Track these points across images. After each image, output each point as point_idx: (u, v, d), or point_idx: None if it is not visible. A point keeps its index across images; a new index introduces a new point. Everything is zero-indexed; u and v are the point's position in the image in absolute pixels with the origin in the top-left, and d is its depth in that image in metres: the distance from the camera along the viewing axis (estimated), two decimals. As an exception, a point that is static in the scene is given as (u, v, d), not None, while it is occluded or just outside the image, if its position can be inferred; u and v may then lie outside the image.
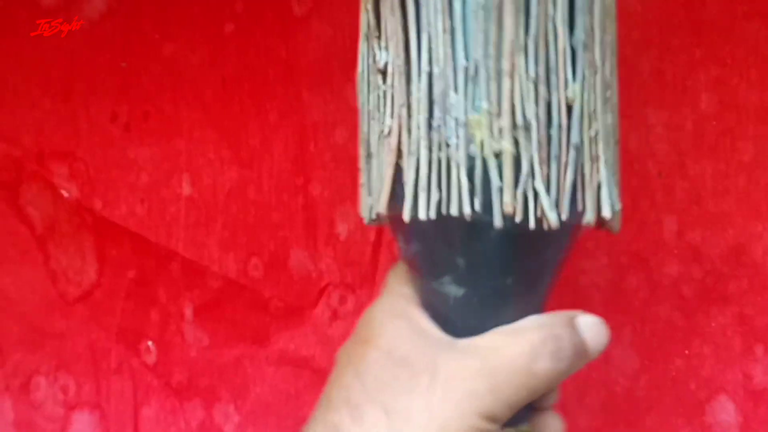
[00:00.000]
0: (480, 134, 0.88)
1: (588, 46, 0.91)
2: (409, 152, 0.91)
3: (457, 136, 0.89)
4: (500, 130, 0.88)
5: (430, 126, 0.90)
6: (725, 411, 1.29)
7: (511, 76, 0.88)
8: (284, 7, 1.42)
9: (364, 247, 1.42)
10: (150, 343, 1.50)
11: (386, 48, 0.93)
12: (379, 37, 0.95)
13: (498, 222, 0.88)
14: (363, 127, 0.99)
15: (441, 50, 0.89)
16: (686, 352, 1.29)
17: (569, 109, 0.90)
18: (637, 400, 1.30)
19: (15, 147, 1.50)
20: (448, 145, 0.89)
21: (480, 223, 0.89)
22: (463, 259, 0.92)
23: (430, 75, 0.90)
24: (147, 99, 1.47)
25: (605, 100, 0.93)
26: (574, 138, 0.90)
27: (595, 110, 0.92)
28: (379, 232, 1.41)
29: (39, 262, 1.51)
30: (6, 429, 1.53)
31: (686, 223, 1.27)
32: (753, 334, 1.27)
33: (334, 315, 1.43)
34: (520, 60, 0.88)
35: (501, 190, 0.88)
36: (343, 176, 1.42)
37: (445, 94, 0.89)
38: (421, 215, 0.90)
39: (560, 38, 0.89)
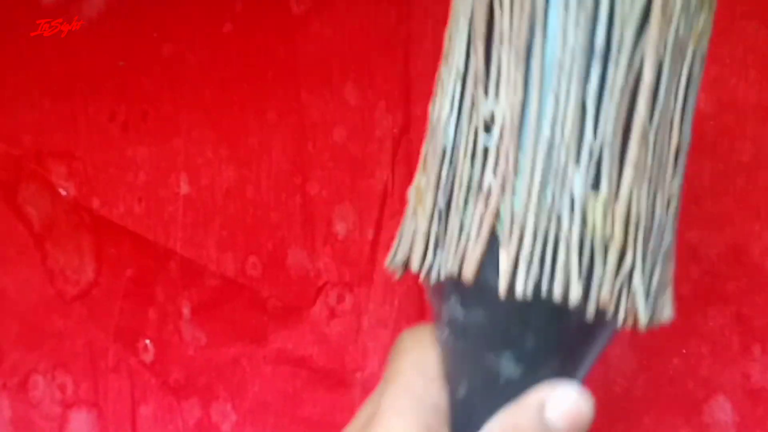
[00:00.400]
0: (593, 217, 0.83)
1: (687, 147, 0.90)
2: (512, 219, 0.84)
3: (571, 214, 0.83)
4: (613, 217, 0.84)
5: (542, 196, 0.84)
6: (723, 410, 1.29)
7: (634, 164, 0.84)
8: (283, 7, 1.42)
9: (362, 246, 1.42)
10: (148, 341, 1.50)
11: (496, 97, 0.86)
12: (486, 83, 0.87)
13: (590, 314, 0.83)
14: (440, 170, 0.90)
15: (570, 119, 0.83)
16: (684, 351, 1.29)
17: (668, 205, 0.88)
18: (635, 399, 1.30)
19: (13, 146, 1.50)
20: (559, 221, 0.83)
21: (565, 308, 0.84)
22: (532, 340, 0.87)
23: (551, 142, 0.84)
24: (145, 98, 1.47)
25: (679, 205, 0.92)
26: (667, 237, 0.89)
27: (678, 211, 0.90)
28: (378, 231, 1.41)
29: (37, 261, 1.51)
30: (3, 427, 1.53)
31: (684, 223, 1.26)
32: (751, 333, 1.27)
33: (332, 314, 1.43)
34: (643, 148, 0.85)
35: (602, 280, 0.83)
36: (341, 176, 1.42)
37: (565, 166, 0.83)
38: (518, 290, 0.83)
39: (674, 135, 0.88)
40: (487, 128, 0.87)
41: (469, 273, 0.85)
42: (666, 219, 0.89)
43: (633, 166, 0.85)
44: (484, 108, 0.87)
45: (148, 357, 1.50)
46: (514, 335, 0.88)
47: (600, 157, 0.84)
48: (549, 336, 0.87)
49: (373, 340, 1.42)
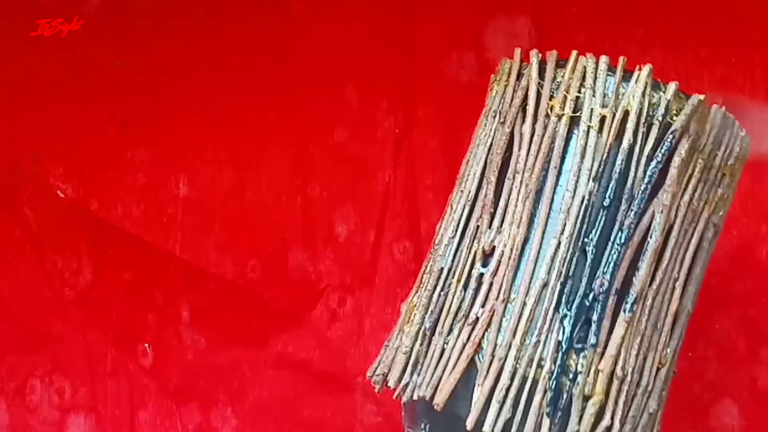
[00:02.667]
0: (575, 369, 0.85)
1: (687, 315, 0.92)
2: (493, 354, 0.86)
3: (554, 361, 0.85)
4: (596, 374, 0.86)
5: (526, 336, 0.86)
6: (729, 414, 1.28)
7: (628, 323, 0.87)
8: (283, 7, 1.42)
9: (363, 249, 1.41)
10: (147, 345, 1.49)
11: (499, 231, 0.89)
12: (492, 214, 0.91)
13: None
14: (431, 294, 0.93)
15: (567, 267, 0.86)
16: (690, 354, 1.28)
17: (657, 371, 0.91)
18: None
19: (10, 147, 1.49)
20: (540, 366, 0.85)
21: None
22: None
23: (544, 284, 0.86)
24: (144, 99, 1.46)
25: (674, 371, 0.95)
26: (652, 404, 0.90)
27: (668, 378, 0.93)
28: (379, 233, 1.40)
29: (34, 264, 1.50)
30: (1, 432, 1.53)
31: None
32: (758, 336, 1.27)
33: (333, 317, 1.43)
34: (638, 309, 0.87)
35: None
36: (342, 177, 1.41)
37: (555, 311, 0.86)
38: (486, 428, 0.84)
39: (674, 301, 0.90)
40: (485, 258, 0.90)
41: (440, 399, 0.87)
42: (653, 384, 0.91)
43: (625, 324, 0.86)
44: (486, 237, 0.90)
45: (147, 361, 1.49)
46: None
47: (592, 309, 0.86)
48: None
49: (374, 343, 1.41)
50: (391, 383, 0.93)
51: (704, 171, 0.90)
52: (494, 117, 0.94)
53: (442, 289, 0.92)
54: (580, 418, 0.85)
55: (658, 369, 0.91)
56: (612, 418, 0.86)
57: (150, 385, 1.50)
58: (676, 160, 0.88)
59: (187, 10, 1.44)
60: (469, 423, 0.85)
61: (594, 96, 0.88)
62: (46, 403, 1.51)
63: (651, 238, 0.87)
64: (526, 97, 0.91)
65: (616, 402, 0.86)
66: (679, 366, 1.26)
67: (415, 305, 0.94)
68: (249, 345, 1.46)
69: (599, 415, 0.86)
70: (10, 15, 1.47)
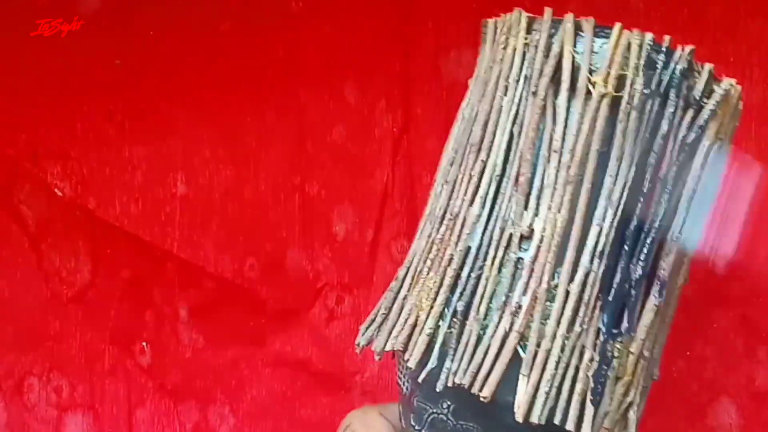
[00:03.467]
0: (611, 355, 0.85)
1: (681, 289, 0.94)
2: (538, 344, 0.85)
3: (595, 349, 0.85)
4: (628, 357, 0.86)
5: (571, 325, 0.85)
6: (727, 413, 1.28)
7: (658, 308, 0.88)
8: (282, 5, 1.41)
9: (361, 248, 1.41)
10: (144, 344, 1.49)
11: (537, 213, 0.87)
12: (528, 194, 0.87)
13: None
14: (457, 273, 0.89)
15: (608, 254, 0.85)
16: (688, 354, 1.28)
17: (660, 349, 0.94)
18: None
19: (8, 145, 1.49)
20: (581, 355, 0.85)
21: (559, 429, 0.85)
22: None
23: (587, 272, 0.85)
24: (142, 97, 1.46)
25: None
26: (655, 371, 0.95)
27: (660, 356, 0.96)
28: (377, 232, 1.40)
29: (32, 262, 1.50)
30: (-2, 431, 1.53)
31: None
32: (756, 336, 1.27)
33: (331, 316, 1.43)
34: (664, 293, 0.88)
35: (606, 414, 0.85)
36: (340, 176, 1.41)
37: (596, 299, 0.85)
38: (534, 419, 0.84)
39: (681, 277, 0.93)
40: (523, 241, 0.86)
41: (488, 392, 0.85)
42: (656, 360, 0.93)
43: (655, 309, 0.87)
44: (524, 220, 0.86)
45: (145, 360, 1.49)
46: None
47: (629, 296, 0.86)
48: None
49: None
50: (411, 363, 0.89)
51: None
52: (517, 82, 0.88)
53: (471, 270, 0.88)
54: (611, 397, 0.86)
55: (660, 347, 0.93)
56: (635, 395, 0.87)
57: (148, 383, 1.50)
58: (705, 144, 0.87)
59: (186, 9, 1.44)
60: (519, 415, 0.84)
61: (638, 75, 0.85)
62: (44, 402, 1.51)
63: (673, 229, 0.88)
64: (559, 66, 0.86)
65: (638, 380, 0.88)
66: (677, 365, 1.26)
67: (434, 282, 0.90)
68: (247, 344, 1.46)
69: (625, 394, 0.87)
70: (10, 15, 1.47)
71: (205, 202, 1.45)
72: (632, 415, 0.86)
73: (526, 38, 0.89)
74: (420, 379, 0.89)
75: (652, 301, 0.86)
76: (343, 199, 1.40)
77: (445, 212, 0.91)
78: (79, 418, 1.51)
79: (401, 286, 0.94)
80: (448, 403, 0.90)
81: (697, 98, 0.86)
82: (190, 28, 1.43)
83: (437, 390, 0.89)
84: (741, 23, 1.25)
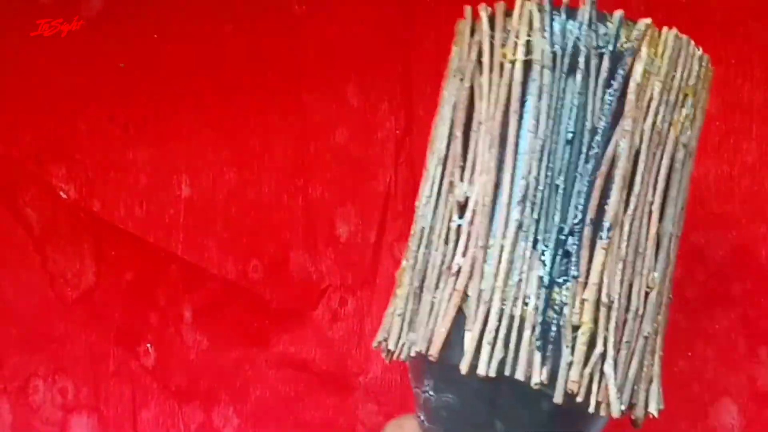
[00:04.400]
0: (560, 302, 0.86)
1: (672, 238, 0.92)
2: (479, 299, 0.87)
3: (538, 297, 0.86)
4: (582, 303, 0.86)
5: (508, 277, 0.87)
6: (729, 414, 1.28)
7: (606, 250, 0.87)
8: (284, 7, 1.42)
9: (364, 249, 1.41)
10: (149, 345, 1.49)
11: (471, 182, 0.90)
12: (463, 167, 0.92)
13: (558, 398, 0.85)
14: (416, 254, 0.94)
15: (539, 204, 0.87)
16: (689, 354, 1.28)
17: (646, 296, 0.90)
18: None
19: (12, 147, 1.49)
20: (525, 304, 0.86)
21: (532, 391, 0.85)
22: (501, 423, 0.88)
23: (519, 225, 0.87)
24: (146, 100, 1.46)
25: (669, 296, 0.94)
26: (646, 327, 0.90)
27: (662, 303, 0.93)
28: (380, 234, 1.40)
29: (37, 264, 1.50)
30: (4, 432, 1.53)
31: (690, 225, 1.26)
32: (757, 336, 1.27)
33: (335, 317, 1.43)
34: (615, 236, 0.87)
35: (570, 365, 0.85)
36: (343, 177, 1.41)
37: (533, 249, 0.87)
38: (481, 370, 0.85)
39: (653, 224, 0.90)
40: (461, 210, 0.90)
41: (434, 351, 0.88)
42: (644, 309, 0.91)
43: (604, 252, 0.87)
44: (459, 191, 0.91)
45: (149, 361, 1.50)
46: (483, 418, 0.89)
47: (569, 242, 0.87)
48: (519, 420, 0.88)
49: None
50: (390, 346, 0.94)
51: (663, 93, 0.90)
52: (455, 76, 0.95)
53: (425, 248, 0.93)
54: (573, 348, 0.86)
55: (647, 293, 0.91)
56: (605, 345, 0.87)
57: (152, 384, 1.50)
58: (632, 86, 0.88)
59: (189, 10, 1.44)
60: (463, 367, 0.86)
61: (543, 37, 0.89)
62: (49, 403, 1.52)
63: (618, 165, 0.88)
64: (480, 50, 0.92)
65: (606, 329, 0.87)
66: (678, 365, 1.27)
67: (404, 269, 0.96)
68: (251, 345, 1.46)
69: (591, 344, 0.86)
70: (10, 15, 1.47)
71: (209, 205, 1.45)
72: (608, 369, 0.85)
73: (461, 40, 0.96)
74: (396, 357, 0.93)
75: (599, 244, 0.87)
76: (346, 200, 1.41)
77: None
78: (84, 420, 1.51)
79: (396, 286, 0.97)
80: (429, 379, 0.92)
81: (612, 45, 0.88)
82: (194, 32, 1.44)
83: (413, 368, 0.92)
84: (742, 24, 1.25)
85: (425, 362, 0.90)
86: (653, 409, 0.91)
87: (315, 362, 1.44)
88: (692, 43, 0.95)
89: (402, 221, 1.40)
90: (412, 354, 0.91)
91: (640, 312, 0.90)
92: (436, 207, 0.94)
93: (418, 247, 0.94)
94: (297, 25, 1.41)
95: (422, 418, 0.93)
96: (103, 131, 1.48)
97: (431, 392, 0.91)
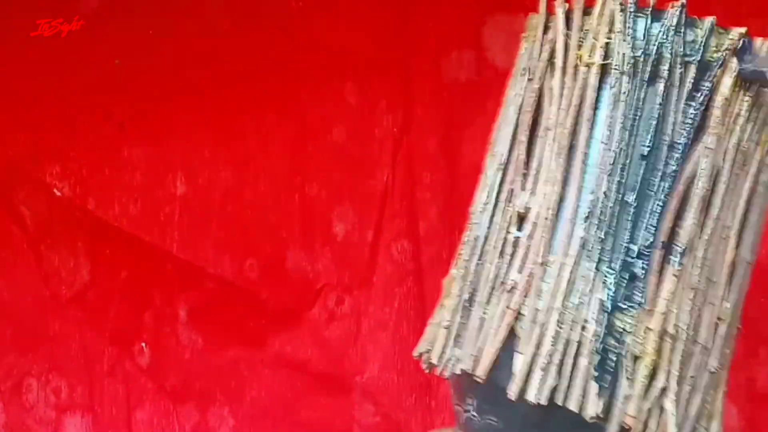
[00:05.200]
0: (622, 329, 0.81)
1: (747, 267, 0.87)
2: (534, 320, 0.82)
3: (598, 322, 0.80)
4: (646, 332, 0.81)
5: (567, 298, 0.81)
6: (728, 414, 1.27)
7: (678, 277, 0.81)
8: (282, 6, 1.41)
9: (361, 248, 1.41)
10: (144, 345, 1.49)
11: (533, 192, 0.84)
12: (525, 175, 0.85)
13: (613, 431, 0.80)
14: (467, 264, 0.88)
15: (606, 222, 0.81)
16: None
17: (716, 327, 0.85)
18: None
19: (7, 145, 1.49)
20: (583, 329, 0.80)
21: (584, 422, 0.80)
22: None
23: (583, 243, 0.81)
24: (141, 98, 1.46)
25: (738, 327, 0.88)
26: (713, 362, 0.85)
27: (730, 335, 0.86)
28: (377, 233, 1.40)
29: (31, 263, 1.50)
30: (-3, 432, 1.53)
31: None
32: (756, 336, 1.26)
33: (331, 317, 1.42)
34: (688, 261, 0.82)
35: (628, 398, 0.80)
36: (341, 176, 1.41)
37: (596, 270, 0.81)
38: (530, 397, 0.80)
39: (730, 250, 0.84)
40: (521, 221, 0.84)
41: (481, 371, 0.82)
42: (713, 342, 0.85)
43: (674, 279, 0.81)
44: (520, 200, 0.84)
45: (144, 361, 1.49)
46: None
47: (637, 265, 0.81)
48: None
49: (373, 343, 1.41)
50: (434, 360, 0.87)
51: (752, 109, 0.84)
52: (523, 75, 0.88)
53: (479, 258, 0.87)
54: (632, 380, 0.80)
55: (717, 325, 0.84)
56: (667, 379, 0.81)
57: (147, 384, 1.50)
58: (719, 100, 0.82)
59: (186, 9, 1.44)
60: (512, 393, 0.80)
61: (624, 40, 0.83)
62: (43, 403, 1.51)
63: (697, 185, 0.82)
64: (553, 50, 0.86)
65: (670, 362, 0.81)
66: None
67: (453, 278, 0.89)
68: (246, 345, 1.46)
69: (652, 377, 0.81)
70: (10, 15, 1.47)
71: (205, 203, 1.45)
72: (669, 405, 0.80)
73: (534, 37, 0.89)
74: (439, 373, 0.88)
75: (670, 270, 0.81)
76: (343, 199, 1.40)
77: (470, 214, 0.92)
78: (78, 419, 1.51)
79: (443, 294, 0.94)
80: (472, 398, 0.87)
81: (700, 54, 0.83)
82: (190, 29, 1.44)
83: (456, 384, 0.88)
84: (743, 23, 1.24)
85: (470, 381, 0.85)
86: None
87: (311, 362, 1.43)
88: None
89: (399, 220, 1.39)
90: (457, 372, 0.85)
91: (709, 345, 0.84)
92: (492, 215, 0.87)
93: (470, 256, 0.88)
94: (294, 22, 1.41)
95: None
96: (98, 129, 1.48)
97: (474, 413, 0.87)
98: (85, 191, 1.47)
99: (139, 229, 1.46)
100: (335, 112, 1.40)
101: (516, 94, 0.87)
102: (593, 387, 0.79)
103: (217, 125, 1.44)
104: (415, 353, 0.90)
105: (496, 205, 0.87)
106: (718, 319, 0.84)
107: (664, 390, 0.81)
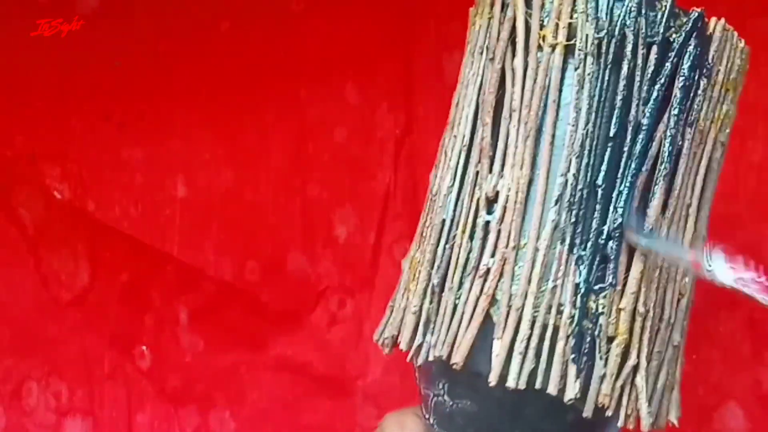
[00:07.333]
0: (596, 311, 0.82)
1: (703, 241, 0.88)
2: (509, 305, 0.82)
3: (574, 305, 0.81)
4: (618, 313, 0.82)
5: (542, 282, 0.82)
6: (734, 417, 1.27)
7: (645, 257, 0.83)
8: (282, 5, 1.41)
9: (363, 250, 1.40)
10: (144, 348, 1.49)
11: (501, 173, 0.84)
12: (492, 158, 0.85)
13: (589, 412, 0.81)
14: (435, 248, 0.88)
15: (578, 203, 0.82)
16: (694, 356, 1.27)
17: (678, 302, 0.87)
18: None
19: (5, 147, 1.49)
20: (559, 312, 0.81)
21: (560, 403, 0.81)
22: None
23: (555, 226, 0.82)
24: (141, 98, 1.46)
25: (693, 300, 0.90)
26: (676, 336, 0.87)
27: (689, 308, 0.89)
28: (379, 235, 1.40)
29: (30, 266, 1.50)
30: (-3, 436, 1.53)
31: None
32: (762, 338, 1.26)
33: (333, 320, 1.42)
34: (653, 242, 0.83)
35: (603, 378, 0.81)
36: (342, 177, 1.40)
37: (569, 253, 0.82)
38: (510, 382, 0.81)
39: (689, 227, 0.86)
40: (490, 205, 0.85)
41: (459, 358, 0.83)
42: (675, 316, 0.87)
43: (641, 261, 0.83)
44: (488, 183, 0.85)
45: (145, 364, 1.49)
46: (503, 428, 0.86)
47: (608, 247, 0.82)
48: (540, 430, 0.85)
49: (375, 346, 1.38)
50: (402, 346, 0.88)
51: (707, 89, 0.85)
52: (481, 54, 0.88)
53: (446, 242, 0.87)
54: (606, 360, 0.82)
55: (678, 300, 0.87)
56: (638, 356, 0.83)
57: (148, 387, 1.50)
58: (680, 80, 0.83)
59: (186, 9, 1.44)
60: (492, 378, 0.81)
61: (587, 21, 0.83)
62: (43, 407, 1.51)
63: (661, 165, 0.83)
64: (514, 28, 0.86)
65: (640, 339, 0.83)
66: (683, 369, 1.25)
67: (418, 261, 0.89)
68: (247, 347, 1.45)
69: (624, 355, 0.82)
70: (10, 15, 1.47)
71: (205, 205, 1.44)
72: (640, 381, 0.82)
73: (489, 14, 0.89)
74: (408, 359, 0.88)
75: (639, 250, 0.83)
76: (344, 201, 1.40)
77: (429, 194, 0.92)
78: (78, 423, 1.51)
79: (404, 277, 0.93)
80: (443, 382, 0.87)
81: (661, 34, 0.83)
82: (190, 29, 1.43)
83: (424, 368, 0.88)
84: (748, 23, 1.23)
85: (441, 365, 0.85)
86: (673, 418, 0.88)
87: (313, 365, 1.43)
88: (736, 34, 0.89)
89: (402, 222, 1.39)
90: (431, 358, 0.86)
91: (672, 320, 0.86)
92: (458, 199, 0.87)
93: (438, 241, 0.88)
94: (294, 23, 1.40)
95: (432, 421, 0.89)
96: (97, 130, 1.48)
97: (445, 396, 0.88)
98: (84, 193, 1.47)
99: (140, 231, 1.46)
100: (336, 112, 1.40)
101: (474, 73, 0.87)
102: (572, 369, 0.81)
103: (217, 126, 1.44)
104: (377, 337, 0.91)
105: (461, 188, 0.87)
106: (680, 294, 0.87)
107: (635, 367, 0.83)
